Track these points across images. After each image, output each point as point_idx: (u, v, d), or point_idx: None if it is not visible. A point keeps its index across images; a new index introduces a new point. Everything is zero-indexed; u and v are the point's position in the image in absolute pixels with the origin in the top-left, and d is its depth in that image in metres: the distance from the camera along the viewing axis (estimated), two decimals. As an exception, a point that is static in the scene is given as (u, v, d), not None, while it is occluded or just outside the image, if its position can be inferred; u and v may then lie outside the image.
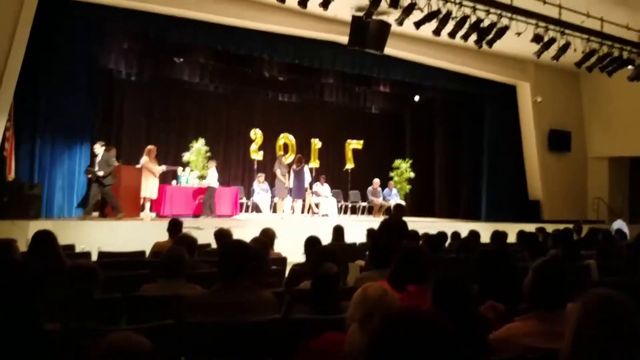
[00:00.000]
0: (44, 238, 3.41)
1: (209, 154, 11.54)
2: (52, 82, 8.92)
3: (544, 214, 14.00)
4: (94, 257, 5.11)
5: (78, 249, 5.95)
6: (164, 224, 7.93)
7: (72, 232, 7.72)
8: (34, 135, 8.90)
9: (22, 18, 8.03)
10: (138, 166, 9.67)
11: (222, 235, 5.00)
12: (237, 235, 8.00)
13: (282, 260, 4.62)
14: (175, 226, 5.13)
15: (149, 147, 10.01)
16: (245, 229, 9.15)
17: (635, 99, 13.15)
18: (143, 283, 3.14)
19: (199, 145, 11.39)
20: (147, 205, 9.89)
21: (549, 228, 10.94)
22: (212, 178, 10.42)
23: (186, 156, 11.29)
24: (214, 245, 5.28)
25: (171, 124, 12.54)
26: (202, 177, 11.13)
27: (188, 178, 10.75)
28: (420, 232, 8.43)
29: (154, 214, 10.15)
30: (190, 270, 3.23)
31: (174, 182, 10.65)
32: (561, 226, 11.92)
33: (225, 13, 9.78)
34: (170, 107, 12.51)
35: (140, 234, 7.73)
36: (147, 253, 5.16)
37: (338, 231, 6.53)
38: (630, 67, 10.81)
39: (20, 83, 8.16)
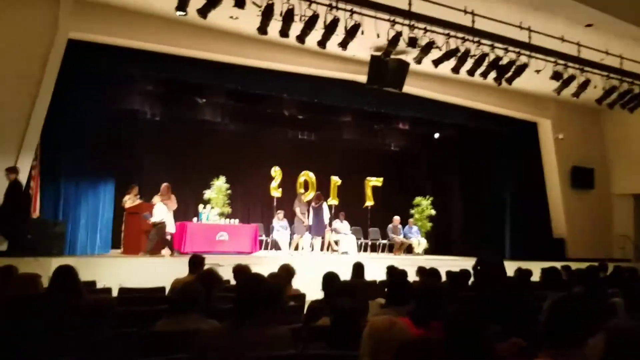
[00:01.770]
0: (66, 273, 3.44)
1: (229, 192, 11.63)
2: (78, 122, 9.18)
3: (568, 252, 13.69)
4: (115, 293, 5.12)
5: (99, 285, 5.98)
6: (185, 260, 8.03)
7: (95, 269, 7.79)
8: (59, 174, 9.12)
9: (50, 61, 8.35)
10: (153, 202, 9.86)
11: (240, 271, 4.99)
12: (255, 272, 7.99)
13: (301, 297, 4.57)
14: (195, 262, 5.13)
15: (163, 184, 10.20)
16: (263, 266, 9.10)
17: (658, 135, 13.00)
18: (161, 318, 3.13)
19: (220, 183, 11.49)
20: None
21: (574, 267, 10.71)
22: (160, 214, 9.59)
23: (207, 194, 11.40)
24: (233, 282, 5.25)
25: (192, 162, 12.71)
26: (222, 214, 11.20)
27: (209, 215, 10.82)
28: (445, 268, 8.33)
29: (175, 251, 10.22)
30: (210, 305, 3.21)
31: (194, 219, 10.73)
32: (586, 265, 11.67)
33: (246, 55, 10.04)
34: (192, 146, 12.71)
35: (161, 271, 7.77)
36: (168, 289, 5.16)
37: (358, 268, 6.46)
38: (651, 103, 10.72)
39: (47, 122, 8.41)
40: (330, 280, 3.99)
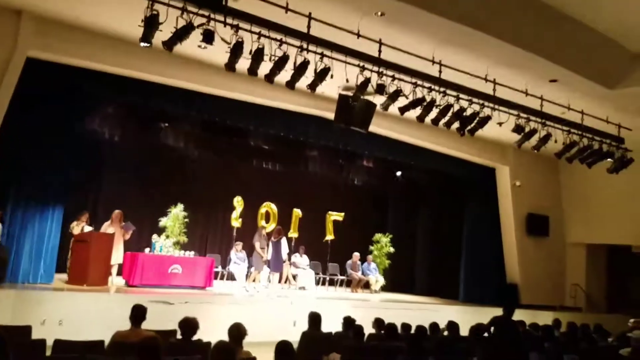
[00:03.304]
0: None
1: (186, 220, 11.28)
2: (31, 142, 8.74)
3: (521, 297, 13.85)
4: (50, 342, 4.72)
5: (36, 328, 5.55)
6: (132, 298, 7.68)
7: (36, 304, 7.37)
8: (7, 196, 8.65)
9: (6, 80, 7.97)
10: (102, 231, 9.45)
11: (188, 326, 4.72)
12: (207, 312, 7.71)
13: (251, 364, 4.32)
14: (138, 315, 4.80)
15: (115, 212, 9.80)
16: (216, 305, 8.84)
17: (613, 189, 13.39)
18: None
19: (177, 211, 11.14)
20: (114, 271, 9.57)
21: (527, 314, 10.83)
22: None
23: (163, 221, 11.02)
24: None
25: (150, 189, 12.34)
26: (177, 244, 10.83)
27: (162, 246, 10.42)
28: (400, 315, 8.24)
29: (122, 282, 9.80)
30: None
31: (147, 250, 10.31)
32: (539, 313, 11.83)
33: (213, 84, 9.88)
34: (151, 171, 12.37)
35: (106, 309, 7.42)
36: (108, 340, 4.80)
37: (314, 319, 6.25)
38: (609, 159, 11.02)
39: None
40: (284, 354, 3.73)
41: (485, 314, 10.45)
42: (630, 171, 11.40)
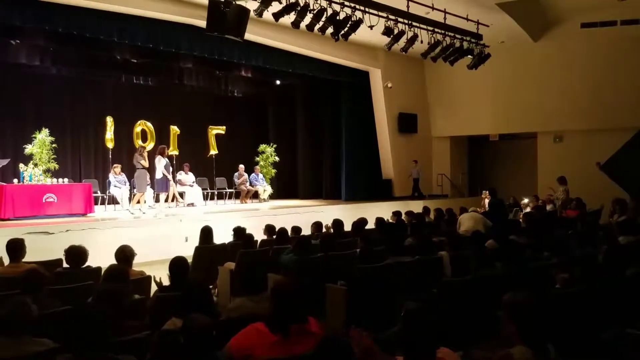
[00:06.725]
0: None
1: (54, 145, 10.49)
2: None
3: (395, 191, 15.04)
4: None
5: None
6: (6, 232, 7.18)
7: None
8: None
9: None
10: None
11: (74, 254, 4.59)
12: (91, 239, 7.49)
13: (146, 282, 4.37)
14: (15, 249, 4.54)
15: None
16: (100, 230, 8.58)
17: (472, 84, 14.58)
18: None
19: (43, 136, 10.28)
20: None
21: (401, 205, 11.87)
22: None
23: (28, 149, 10.16)
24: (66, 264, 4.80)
25: (9, 113, 11.15)
26: (48, 172, 10.11)
27: (32, 174, 9.67)
28: (289, 220, 8.65)
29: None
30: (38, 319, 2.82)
31: (15, 181, 9.52)
32: (411, 203, 13.02)
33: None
34: (7, 94, 11.10)
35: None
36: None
37: (206, 233, 6.38)
38: (469, 56, 11.89)
39: None
40: (179, 268, 3.80)
41: (365, 210, 11.35)
42: (487, 66, 12.46)
